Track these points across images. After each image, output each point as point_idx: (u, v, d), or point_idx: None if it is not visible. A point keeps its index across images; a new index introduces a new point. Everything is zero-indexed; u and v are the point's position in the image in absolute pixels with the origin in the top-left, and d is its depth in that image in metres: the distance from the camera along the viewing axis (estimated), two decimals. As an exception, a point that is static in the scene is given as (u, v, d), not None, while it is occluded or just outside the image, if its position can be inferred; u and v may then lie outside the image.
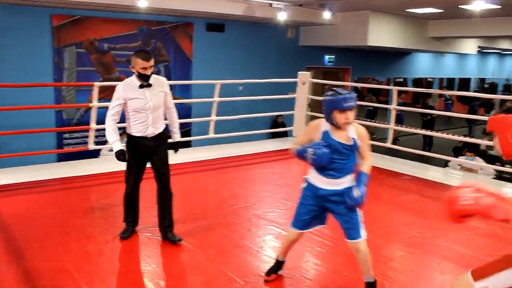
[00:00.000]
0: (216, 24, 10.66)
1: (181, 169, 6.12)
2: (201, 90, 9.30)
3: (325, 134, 2.94)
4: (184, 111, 9.85)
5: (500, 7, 9.19)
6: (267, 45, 11.63)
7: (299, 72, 8.15)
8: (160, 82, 3.84)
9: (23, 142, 7.01)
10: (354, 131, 2.93)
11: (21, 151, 6.17)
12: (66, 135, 9.06)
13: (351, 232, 2.99)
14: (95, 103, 6.15)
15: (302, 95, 8.02)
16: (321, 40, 11.97)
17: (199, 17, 10.17)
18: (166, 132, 3.96)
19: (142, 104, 3.71)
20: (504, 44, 17.18)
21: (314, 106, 11.18)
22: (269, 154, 7.36)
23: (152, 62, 3.68)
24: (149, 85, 3.73)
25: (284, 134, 9.39)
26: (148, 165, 3.93)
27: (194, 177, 6.07)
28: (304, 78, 8.05)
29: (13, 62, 8.30)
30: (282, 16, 9.57)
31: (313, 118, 9.16)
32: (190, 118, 9.23)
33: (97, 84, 6.28)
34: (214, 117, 7.15)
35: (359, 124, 3.01)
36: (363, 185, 2.90)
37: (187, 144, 7.96)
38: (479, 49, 16.58)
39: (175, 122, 4.07)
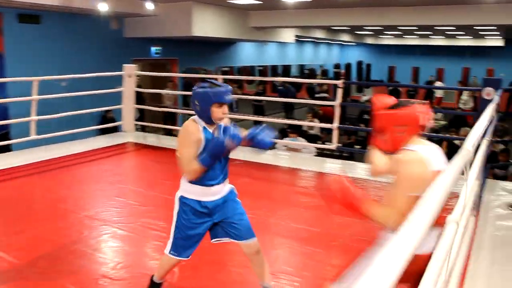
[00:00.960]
0: (30, 15, 9.80)
1: (1, 177, 5.56)
2: (19, 88, 8.49)
3: (207, 133, 2.63)
4: (0, 112, 8.94)
5: (311, 0, 10.02)
6: (90, 37, 11.07)
7: (124, 65, 7.93)
8: None
9: None
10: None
11: None
12: None
13: (248, 231, 2.83)
14: None
15: (129, 88, 7.83)
16: (146, 32, 11.79)
17: (10, 7, 9.25)
18: None
19: None
20: (317, 34, 18.83)
21: (149, 99, 11.03)
22: (99, 152, 7.03)
23: None
24: None
25: (114, 130, 9.08)
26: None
27: (16, 184, 5.53)
28: (130, 71, 7.85)
29: None
30: (102, 7, 9.18)
31: (143, 112, 9.02)
32: (7, 119, 8.39)
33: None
34: (34, 117, 6.58)
35: None
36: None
37: (6, 149, 7.23)
38: (297, 38, 17.86)
39: None
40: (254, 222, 4.28)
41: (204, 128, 2.63)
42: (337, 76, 24.46)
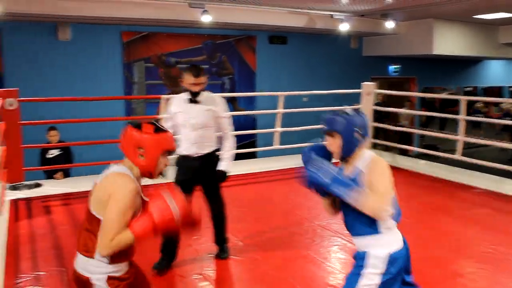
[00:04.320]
0: (279, 37, 10.76)
1: (246, 180, 6.21)
2: (266, 102, 9.39)
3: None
4: (249, 123, 9.99)
5: None
6: (330, 56, 11.58)
7: (363, 83, 8.06)
8: (211, 101, 3.64)
9: (95, 153, 7.33)
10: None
11: (95, 161, 6.45)
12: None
13: None
14: (162, 115, 6.36)
15: (367, 106, 7.92)
16: (385, 50, 11.78)
17: (262, 30, 10.31)
18: (217, 156, 3.74)
19: (185, 119, 3.57)
20: None
21: (385, 117, 10.95)
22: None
23: (201, 79, 3.52)
24: (197, 102, 3.57)
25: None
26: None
27: (259, 187, 6.14)
28: (369, 89, 7.95)
29: (86, 77, 8.76)
30: (344, 27, 9.51)
31: (378, 130, 9.04)
32: (255, 129, 9.35)
33: (164, 96, 6.50)
34: (279, 129, 7.20)
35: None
36: None
37: (252, 155, 8.06)
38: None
39: (226, 149, 3.74)
40: (495, 258, 3.89)
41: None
42: None
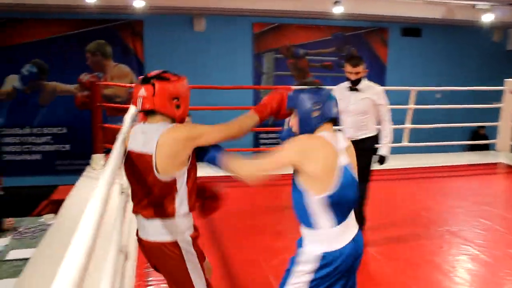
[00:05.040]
0: (412, 29, 10.24)
1: (372, 177, 6.01)
2: (395, 97, 9.01)
3: None
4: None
5: None
6: (469, 50, 10.76)
7: (506, 80, 7.38)
8: (370, 90, 3.89)
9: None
10: None
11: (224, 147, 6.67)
12: (263, 135, 9.61)
13: None
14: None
15: (510, 105, 7.24)
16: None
17: (395, 22, 9.89)
18: (373, 142, 3.97)
19: (344, 106, 3.80)
20: None
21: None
22: (465, 168, 6.81)
23: (358, 68, 3.80)
24: (356, 90, 3.85)
25: (485, 148, 8.61)
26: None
27: (385, 185, 5.91)
28: (513, 86, 7.27)
29: (217, 67, 9.13)
30: (487, 18, 8.79)
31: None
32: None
33: (292, 87, 6.54)
34: (408, 125, 6.89)
35: None
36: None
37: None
38: None
39: (383, 135, 3.98)
40: None
41: None
42: None
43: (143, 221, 2.12)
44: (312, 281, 1.96)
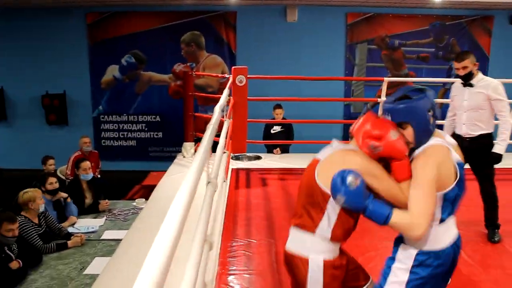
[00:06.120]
0: (522, 16, 9.46)
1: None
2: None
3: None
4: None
5: None
6: None
7: None
8: (484, 84, 3.77)
9: (313, 131, 7.50)
10: None
11: (311, 139, 6.60)
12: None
13: None
14: (383, 98, 6.18)
15: None
16: None
17: (501, 9, 9.18)
18: (490, 139, 3.86)
19: (459, 102, 3.88)
20: None
21: None
22: None
23: (464, 63, 3.74)
24: (470, 85, 3.80)
25: None
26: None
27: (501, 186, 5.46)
28: None
29: (309, 58, 9.02)
30: None
31: None
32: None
33: (386, 79, 6.31)
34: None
35: None
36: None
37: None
38: None
39: (499, 132, 3.82)
40: None
41: None
42: None
43: (291, 228, 2.09)
44: (411, 280, 1.90)
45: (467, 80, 3.79)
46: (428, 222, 1.80)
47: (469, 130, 3.81)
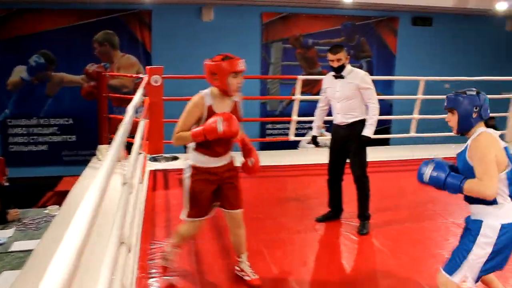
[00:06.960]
0: (423, 18, 10.11)
1: (377, 168, 5.95)
2: (404, 87, 8.93)
3: None
4: (384, 108, 9.57)
5: None
6: (480, 39, 10.58)
7: (519, 69, 7.28)
8: (354, 75, 4.00)
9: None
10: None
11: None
12: (269, 126, 9.58)
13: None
14: (297, 96, 6.36)
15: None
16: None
17: (405, 11, 9.76)
18: (362, 126, 4.01)
19: (332, 93, 4.07)
20: None
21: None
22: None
23: (338, 56, 3.94)
24: (341, 77, 3.99)
25: (494, 138, 8.51)
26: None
27: (390, 176, 5.85)
28: (524, 76, 7.16)
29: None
30: (501, 6, 8.63)
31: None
32: (391, 115, 8.96)
33: (300, 77, 6.49)
34: (416, 116, 6.81)
35: None
36: None
37: (385, 142, 7.74)
38: None
39: (369, 117, 4.03)
40: None
41: None
42: None
43: None
44: (493, 252, 2.33)
45: (339, 72, 3.99)
46: (496, 184, 2.28)
47: (343, 119, 4.03)
